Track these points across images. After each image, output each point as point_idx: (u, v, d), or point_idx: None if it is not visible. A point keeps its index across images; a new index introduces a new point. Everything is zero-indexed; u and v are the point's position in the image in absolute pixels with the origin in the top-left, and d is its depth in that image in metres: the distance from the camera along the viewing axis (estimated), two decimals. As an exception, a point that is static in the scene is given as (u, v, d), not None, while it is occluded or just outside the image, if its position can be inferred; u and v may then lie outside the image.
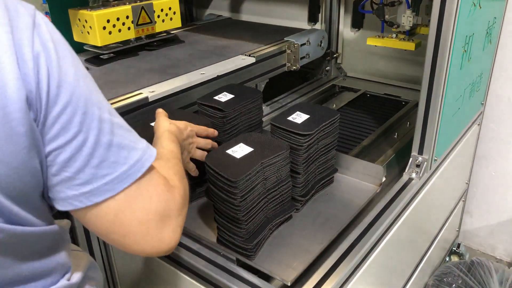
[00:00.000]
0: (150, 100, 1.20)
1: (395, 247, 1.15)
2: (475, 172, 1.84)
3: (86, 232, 1.13)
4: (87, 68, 1.42)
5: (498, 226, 1.91)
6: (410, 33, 1.35)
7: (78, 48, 1.54)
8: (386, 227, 1.04)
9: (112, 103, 1.15)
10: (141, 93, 1.21)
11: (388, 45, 1.37)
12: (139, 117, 1.19)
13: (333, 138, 1.12)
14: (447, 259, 1.87)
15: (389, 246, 1.08)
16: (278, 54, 1.59)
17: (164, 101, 1.24)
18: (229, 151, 0.95)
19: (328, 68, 1.91)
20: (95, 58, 1.51)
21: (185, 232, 1.02)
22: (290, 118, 1.09)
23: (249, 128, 1.23)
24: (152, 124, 1.07)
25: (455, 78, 1.11)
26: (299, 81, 1.91)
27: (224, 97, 1.20)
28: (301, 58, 1.67)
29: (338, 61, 1.91)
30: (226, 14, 2.20)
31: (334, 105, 1.75)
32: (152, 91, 1.23)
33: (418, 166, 1.15)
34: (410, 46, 1.34)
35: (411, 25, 1.32)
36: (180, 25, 1.66)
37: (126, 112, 1.16)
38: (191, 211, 1.08)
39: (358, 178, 1.21)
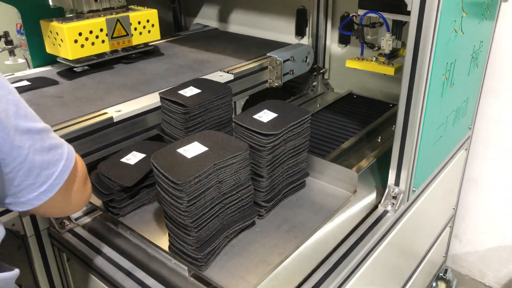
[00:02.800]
0: (115, 120, 1.16)
1: (374, 273, 1.08)
2: (463, 195, 1.76)
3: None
4: (56, 83, 1.40)
5: (488, 251, 1.84)
6: (391, 56, 1.29)
7: (52, 59, 1.51)
8: (359, 260, 0.97)
9: (75, 123, 1.11)
10: (106, 113, 1.17)
11: (367, 68, 1.30)
12: (103, 138, 1.15)
13: (304, 139, 1.05)
14: (434, 284, 1.82)
15: (367, 272, 1.01)
16: (259, 70, 1.55)
17: (130, 121, 1.20)
18: (180, 150, 0.87)
19: (315, 83, 1.86)
20: (68, 70, 1.47)
21: (136, 238, 0.98)
22: (256, 116, 1.01)
23: (216, 127, 1.16)
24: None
25: (435, 106, 1.06)
26: (284, 95, 1.87)
27: (190, 91, 1.13)
28: (285, 74, 1.62)
29: (326, 76, 1.87)
30: (214, 23, 2.16)
31: (318, 105, 1.70)
32: (119, 111, 1.18)
33: (394, 197, 1.11)
34: (389, 70, 1.27)
35: (391, 49, 1.28)
36: (159, 38, 1.62)
37: (89, 133, 1.11)
38: (146, 214, 1.02)
39: (331, 183, 1.14)
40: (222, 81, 1.41)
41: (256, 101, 1.71)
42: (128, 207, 1.02)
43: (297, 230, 0.98)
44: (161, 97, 1.13)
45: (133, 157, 1.04)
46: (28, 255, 1.09)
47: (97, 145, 1.13)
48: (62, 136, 1.06)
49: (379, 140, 1.41)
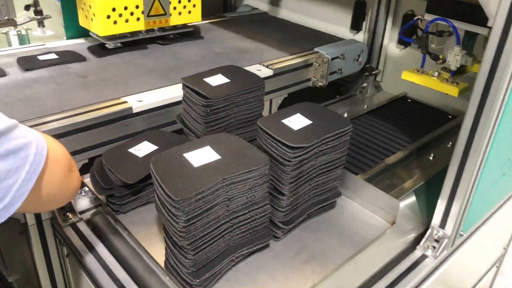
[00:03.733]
0: (134, 111, 1.07)
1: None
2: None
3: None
4: (84, 59, 1.32)
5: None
6: (457, 73, 1.11)
7: (86, 32, 1.43)
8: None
9: (91, 110, 1.02)
10: (125, 102, 1.08)
11: (426, 84, 1.11)
12: (119, 129, 1.06)
13: (340, 154, 0.89)
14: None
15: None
16: (303, 67, 1.40)
17: (151, 113, 1.10)
18: (187, 155, 0.73)
19: (364, 84, 1.69)
20: (99, 46, 1.38)
21: (133, 242, 0.88)
22: (286, 120, 0.86)
23: (242, 124, 1.02)
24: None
25: (505, 138, 0.89)
26: (329, 94, 1.72)
27: (217, 80, 0.99)
28: (331, 73, 1.47)
29: (378, 78, 1.69)
30: (264, 6, 2.01)
31: (366, 106, 1.53)
32: (140, 101, 1.08)
33: (437, 241, 0.95)
34: (453, 91, 1.07)
35: (458, 66, 1.09)
36: (199, 20, 1.50)
37: (105, 122, 1.02)
38: (149, 213, 0.90)
39: (367, 208, 0.98)
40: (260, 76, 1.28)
41: (295, 100, 1.57)
42: (130, 204, 0.91)
43: (316, 263, 0.84)
44: (183, 84, 1.00)
45: (144, 148, 0.93)
46: (28, 244, 1.03)
47: (112, 136, 1.04)
48: (73, 125, 0.99)
49: (430, 158, 1.24)
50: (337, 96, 1.74)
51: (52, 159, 0.61)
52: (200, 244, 0.71)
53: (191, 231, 0.68)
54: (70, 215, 0.99)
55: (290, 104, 1.47)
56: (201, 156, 0.74)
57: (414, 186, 1.12)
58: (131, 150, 0.92)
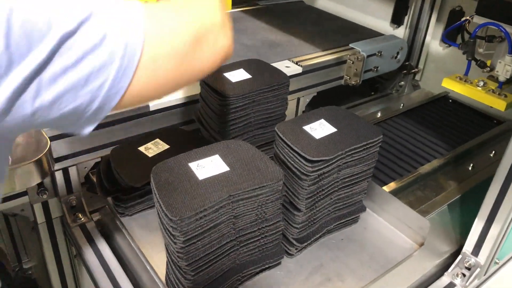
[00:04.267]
0: (151, 109, 1.02)
1: None
2: None
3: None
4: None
5: None
6: (505, 83, 0.97)
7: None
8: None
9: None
10: (143, 99, 1.03)
11: (469, 95, 1.00)
12: (135, 128, 1.02)
13: (367, 167, 0.81)
14: None
15: None
16: (335, 64, 1.32)
17: (169, 111, 1.05)
18: (192, 165, 0.67)
19: (402, 83, 1.58)
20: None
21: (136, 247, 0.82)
22: (307, 127, 0.79)
23: (262, 125, 0.95)
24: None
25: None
26: (363, 91, 1.62)
27: (238, 75, 0.93)
28: (366, 71, 1.38)
29: (416, 77, 1.58)
30: (301, -7, 1.92)
31: (402, 105, 1.42)
32: (158, 97, 1.04)
33: (468, 268, 0.87)
34: (500, 104, 0.95)
35: (508, 77, 0.95)
36: (230, 8, 1.43)
37: (119, 121, 0.98)
38: (155, 218, 0.86)
39: (393, 225, 0.90)
40: (288, 74, 1.21)
41: (325, 98, 1.50)
42: (136, 206, 0.87)
43: (331, 286, 0.79)
44: (201, 81, 0.94)
45: (154, 147, 0.88)
46: (39, 242, 1.02)
47: (126, 135, 1.00)
48: None
49: (470, 169, 1.13)
50: (372, 93, 1.64)
51: (157, 42, 0.45)
52: (201, 264, 0.65)
53: (191, 251, 0.63)
54: (80, 215, 0.96)
55: (319, 102, 1.41)
56: (208, 166, 0.68)
57: (449, 200, 1.03)
58: (142, 148, 0.87)
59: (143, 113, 1.00)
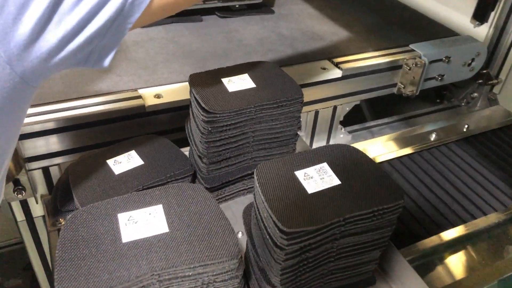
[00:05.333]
0: (147, 110, 0.87)
1: None
2: None
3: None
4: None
5: None
6: None
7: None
8: None
9: (93, 104, 0.85)
10: (139, 97, 0.89)
11: None
12: (128, 130, 0.88)
13: (379, 235, 0.60)
14: None
15: None
16: (387, 69, 1.08)
17: (168, 114, 0.90)
18: (121, 216, 0.51)
19: (475, 95, 1.30)
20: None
21: None
22: (302, 172, 0.59)
23: (265, 146, 0.76)
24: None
25: None
26: (425, 100, 1.36)
27: (239, 83, 0.74)
28: (427, 80, 1.13)
29: (495, 90, 1.29)
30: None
31: (466, 127, 1.13)
32: (158, 96, 0.89)
33: None
34: None
35: None
36: (271, -10, 1.23)
37: (109, 121, 0.85)
38: None
39: None
40: (324, 77, 1.00)
41: (370, 106, 1.27)
42: None
43: None
44: (189, 83, 0.75)
45: (126, 162, 0.72)
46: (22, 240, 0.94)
47: (114, 138, 0.87)
48: (68, 120, 0.79)
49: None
50: (438, 100, 1.37)
51: None
52: None
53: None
54: (62, 220, 0.86)
55: (364, 112, 1.20)
56: (141, 222, 0.50)
57: (503, 273, 0.80)
58: (110, 161, 0.73)
59: (139, 114, 0.87)
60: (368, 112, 1.30)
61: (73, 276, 0.43)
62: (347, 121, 1.12)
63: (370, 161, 0.62)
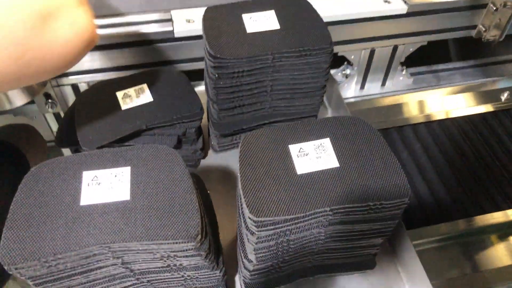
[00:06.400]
0: (176, 35, 0.81)
1: None
2: None
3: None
4: None
5: None
6: None
7: None
8: None
9: (123, 23, 0.80)
10: (169, 19, 0.81)
11: None
12: (156, 55, 0.83)
13: (380, 226, 0.52)
14: None
15: None
16: (467, 8, 0.89)
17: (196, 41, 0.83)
18: (87, 175, 0.47)
19: None
20: None
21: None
22: (295, 147, 0.51)
23: (287, 96, 0.68)
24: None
25: None
26: (506, 47, 1.13)
27: (261, 21, 0.64)
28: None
29: None
30: None
31: None
32: (190, 20, 0.81)
33: None
34: None
35: None
36: None
37: (141, 43, 0.80)
38: None
39: None
40: (386, 12, 0.86)
41: (442, 50, 1.10)
42: None
43: None
44: (203, 15, 0.66)
45: (135, 97, 0.68)
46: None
47: (143, 61, 0.83)
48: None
49: None
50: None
51: None
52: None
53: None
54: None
55: (428, 55, 1.04)
56: (103, 179, 0.47)
57: None
58: (120, 94, 0.69)
59: (167, 39, 0.82)
60: (438, 54, 1.13)
61: (20, 237, 0.42)
62: (409, 62, 0.98)
63: (383, 144, 0.52)
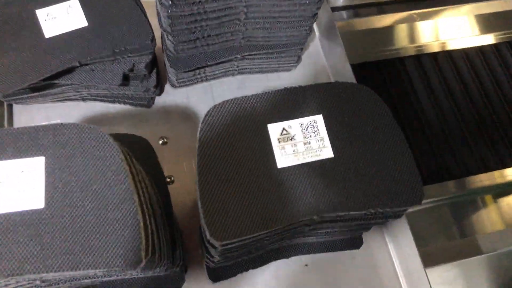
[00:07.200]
0: None
1: None
2: None
3: None
4: None
5: None
6: None
7: None
8: None
9: None
10: None
11: None
12: None
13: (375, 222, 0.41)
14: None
15: None
16: None
17: None
18: None
19: None
20: None
21: None
22: (276, 127, 0.39)
23: (262, 33, 0.55)
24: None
25: None
26: None
27: None
28: None
29: None
30: None
31: None
32: None
33: None
34: None
35: None
36: None
37: None
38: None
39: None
40: None
41: None
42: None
43: None
44: None
45: (63, 15, 0.48)
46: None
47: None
48: None
49: None
50: None
51: None
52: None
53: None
54: None
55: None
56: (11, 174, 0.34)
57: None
58: (42, 13, 0.51)
59: None
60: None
61: None
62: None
63: (393, 126, 0.39)
